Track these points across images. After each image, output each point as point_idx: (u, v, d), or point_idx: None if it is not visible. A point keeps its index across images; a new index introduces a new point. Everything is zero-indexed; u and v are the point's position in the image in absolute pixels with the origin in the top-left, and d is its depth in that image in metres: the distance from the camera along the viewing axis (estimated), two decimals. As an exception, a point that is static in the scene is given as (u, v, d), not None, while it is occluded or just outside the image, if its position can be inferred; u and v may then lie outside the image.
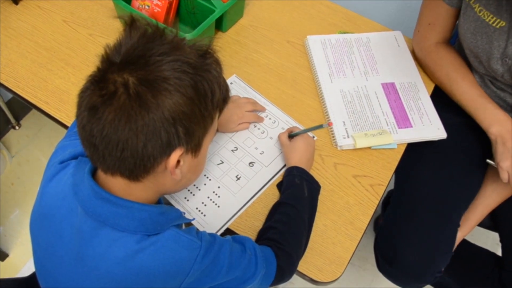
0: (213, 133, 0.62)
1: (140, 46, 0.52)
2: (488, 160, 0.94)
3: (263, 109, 0.94)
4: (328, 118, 0.94)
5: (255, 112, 0.93)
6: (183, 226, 0.63)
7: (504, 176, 0.89)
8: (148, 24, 0.55)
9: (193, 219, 0.79)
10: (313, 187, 0.82)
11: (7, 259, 1.44)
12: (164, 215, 0.57)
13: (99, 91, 0.50)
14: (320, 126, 0.84)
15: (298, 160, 0.83)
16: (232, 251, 0.63)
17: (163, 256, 0.55)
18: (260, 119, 0.92)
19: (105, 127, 0.50)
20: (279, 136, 0.89)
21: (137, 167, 0.53)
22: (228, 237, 0.67)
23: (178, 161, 0.55)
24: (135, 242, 0.54)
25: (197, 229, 0.62)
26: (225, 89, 0.60)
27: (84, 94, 0.52)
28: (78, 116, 0.53)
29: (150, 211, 0.56)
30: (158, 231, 0.56)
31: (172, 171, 0.55)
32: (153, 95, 0.50)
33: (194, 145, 0.56)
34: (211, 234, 0.62)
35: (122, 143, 0.50)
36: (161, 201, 0.65)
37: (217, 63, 0.59)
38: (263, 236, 0.75)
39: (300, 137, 0.85)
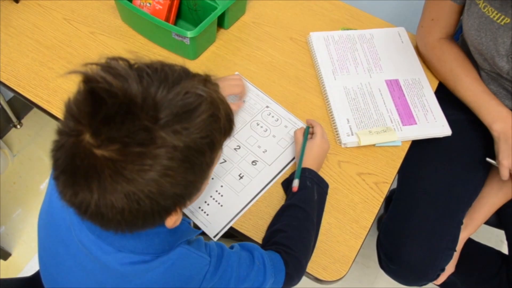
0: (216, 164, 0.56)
1: None
2: (488, 159, 0.93)
3: (242, 94, 0.90)
4: (331, 115, 0.93)
5: (237, 98, 0.91)
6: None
7: (505, 173, 0.88)
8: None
9: (201, 231, 0.76)
10: (323, 191, 0.80)
11: (10, 258, 1.44)
12: (175, 235, 0.55)
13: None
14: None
15: (311, 162, 0.81)
16: (240, 263, 0.62)
17: (173, 274, 0.54)
18: (241, 95, 0.90)
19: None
20: (295, 133, 0.86)
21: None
22: (236, 245, 0.66)
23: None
24: (143, 262, 0.53)
25: (204, 232, 0.61)
26: (226, 120, 0.51)
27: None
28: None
29: (161, 232, 0.53)
30: (167, 250, 0.54)
31: (171, 225, 0.52)
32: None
33: (190, 198, 0.52)
34: (218, 245, 0.61)
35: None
36: None
37: (212, 105, 0.47)
38: (272, 239, 0.74)
39: (317, 140, 0.82)
